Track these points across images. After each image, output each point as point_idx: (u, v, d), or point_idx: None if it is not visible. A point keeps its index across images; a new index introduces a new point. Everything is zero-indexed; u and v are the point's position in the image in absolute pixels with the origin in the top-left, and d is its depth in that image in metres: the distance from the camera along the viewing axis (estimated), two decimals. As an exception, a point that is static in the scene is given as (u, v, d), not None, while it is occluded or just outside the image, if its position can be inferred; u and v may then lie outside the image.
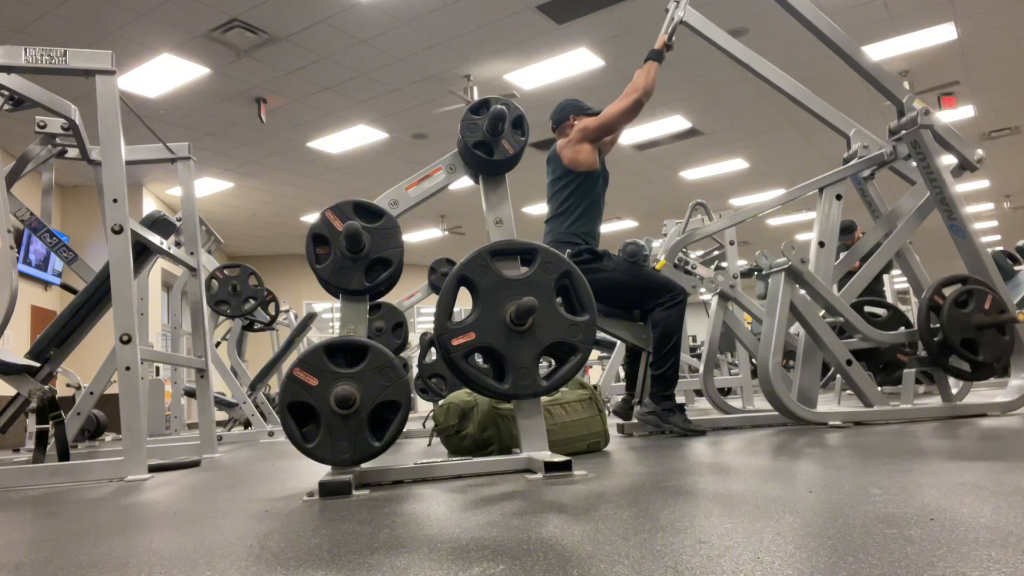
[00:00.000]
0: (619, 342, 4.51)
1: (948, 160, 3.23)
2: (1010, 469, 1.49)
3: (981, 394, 4.22)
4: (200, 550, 1.16)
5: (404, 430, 1.99)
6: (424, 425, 3.60)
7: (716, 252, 5.41)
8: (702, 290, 3.77)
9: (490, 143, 2.16)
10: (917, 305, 3.17)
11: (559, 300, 2.04)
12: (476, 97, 7.16)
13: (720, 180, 10.92)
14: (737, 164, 10.33)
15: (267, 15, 5.81)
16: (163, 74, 6.66)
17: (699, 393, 5.81)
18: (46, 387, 2.73)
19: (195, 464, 2.94)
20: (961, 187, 3.51)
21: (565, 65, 7.00)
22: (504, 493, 1.61)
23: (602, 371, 5.76)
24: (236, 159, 9.04)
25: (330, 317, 13.62)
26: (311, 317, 6.51)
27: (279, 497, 1.78)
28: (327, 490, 1.70)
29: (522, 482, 1.77)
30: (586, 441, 2.53)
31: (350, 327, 2.05)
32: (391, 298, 3.75)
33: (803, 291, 3.08)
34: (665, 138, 9.11)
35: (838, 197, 3.26)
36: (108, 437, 5.37)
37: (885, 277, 6.92)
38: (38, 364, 3.07)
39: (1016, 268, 4.70)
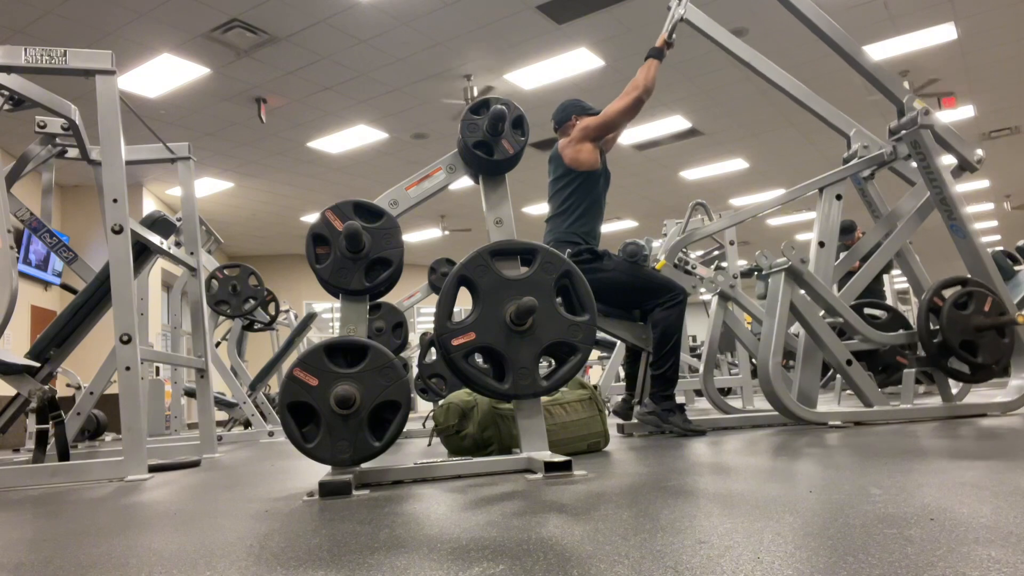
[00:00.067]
0: (619, 342, 4.51)
1: (948, 160, 3.23)
2: (1010, 469, 1.49)
3: (981, 394, 4.22)
4: (200, 550, 1.16)
5: (404, 430, 1.99)
6: (424, 425, 3.60)
7: (716, 252, 5.41)
8: (702, 290, 3.77)
9: (490, 143, 2.16)
10: (917, 306, 3.17)
11: (559, 300, 2.04)
12: (476, 97, 7.17)
13: (720, 180, 10.92)
14: (737, 164, 10.33)
15: (267, 15, 5.81)
16: (163, 74, 6.66)
17: (699, 393, 5.81)
18: (46, 387, 2.73)
19: (195, 464, 2.94)
20: (961, 187, 3.51)
21: (565, 65, 7.00)
22: (504, 493, 1.61)
23: (602, 371, 5.76)
24: (236, 159, 9.04)
25: (330, 317, 13.62)
26: (311, 317, 6.51)
27: (279, 497, 1.78)
28: (327, 490, 1.70)
29: (522, 482, 1.77)
30: (586, 441, 2.53)
31: (350, 327, 2.05)
32: (391, 298, 3.75)
33: (803, 291, 3.08)
34: (665, 138, 9.11)
35: (838, 197, 3.26)
36: (108, 437, 5.37)
37: (885, 277, 6.92)
38: (38, 364, 3.07)
39: (1016, 268, 4.70)
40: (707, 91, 7.81)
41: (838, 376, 3.68)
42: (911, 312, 7.74)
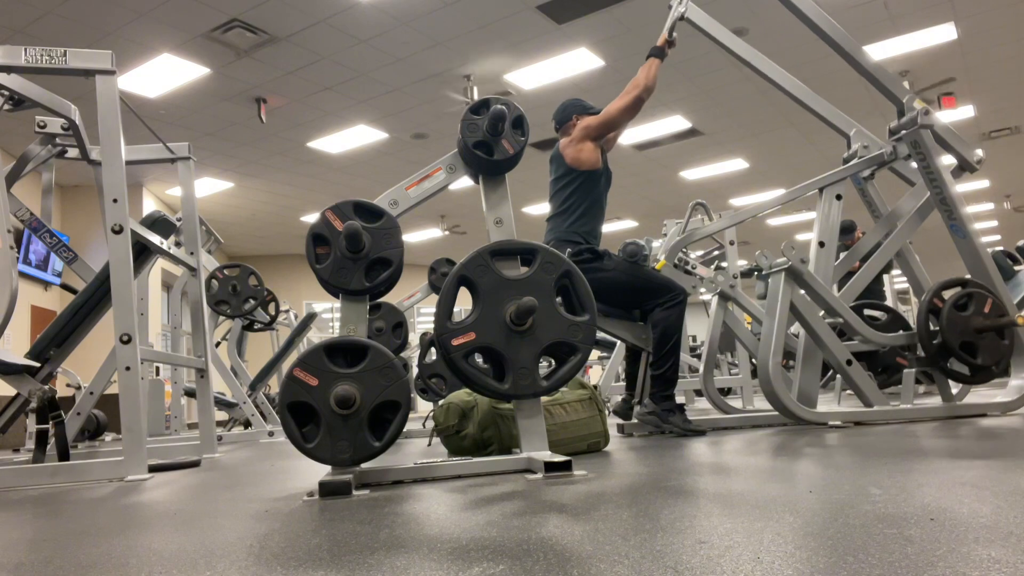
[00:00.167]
0: (619, 342, 4.51)
1: (948, 160, 3.23)
2: (1010, 469, 1.49)
3: (981, 394, 4.22)
4: (200, 550, 1.16)
5: (404, 430, 1.99)
6: (424, 425, 3.60)
7: (716, 252, 5.41)
8: (702, 290, 3.77)
9: (490, 143, 2.16)
10: (917, 306, 3.17)
11: (559, 300, 2.04)
12: (476, 97, 7.16)
13: (720, 180, 10.92)
14: (737, 164, 10.33)
15: (267, 15, 5.81)
16: (163, 74, 6.66)
17: (699, 393, 5.81)
18: (46, 387, 2.73)
19: (195, 464, 2.94)
20: (961, 187, 3.51)
21: (565, 65, 7.00)
22: (504, 493, 1.61)
23: (602, 371, 5.76)
24: (236, 159, 9.04)
25: (330, 317, 13.62)
26: (311, 317, 6.51)
27: (279, 497, 1.78)
28: (327, 490, 1.70)
29: (522, 482, 1.77)
30: (586, 441, 2.53)
31: (350, 327, 2.05)
32: (391, 298, 3.75)
33: (803, 291, 3.08)
34: (665, 138, 9.11)
35: (838, 197, 3.25)
36: (108, 437, 5.37)
37: (885, 277, 6.91)
38: (38, 364, 3.06)
39: (1016, 268, 4.70)
40: (707, 91, 7.81)
41: (838, 376, 3.69)
42: (911, 313, 7.74)
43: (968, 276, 3.21)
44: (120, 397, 2.47)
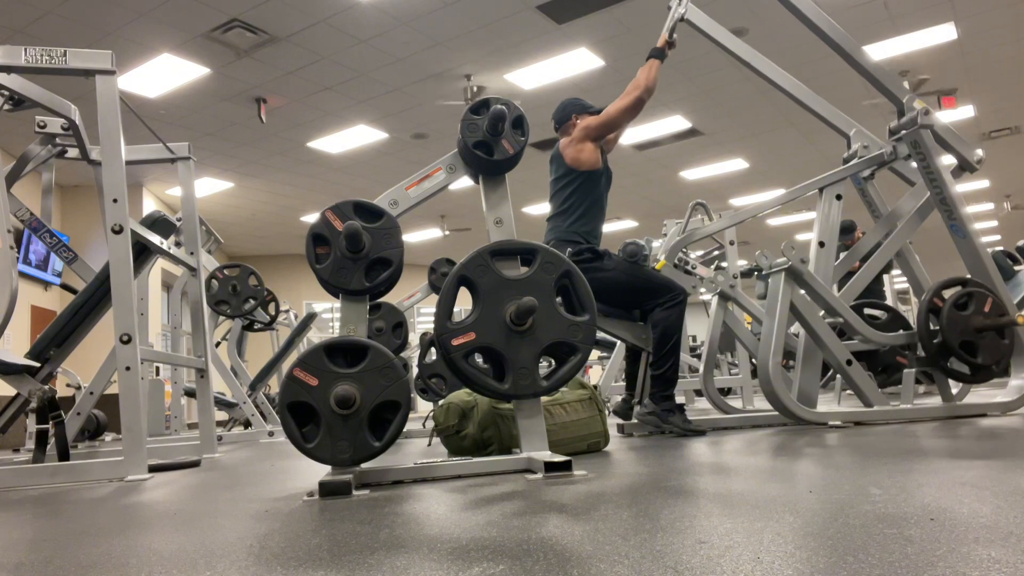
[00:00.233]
0: (619, 342, 4.51)
1: (948, 160, 3.23)
2: (1010, 469, 1.49)
3: (981, 394, 4.22)
4: (200, 550, 1.16)
5: (404, 430, 1.99)
6: (424, 425, 3.60)
7: (716, 252, 5.41)
8: (702, 290, 3.77)
9: (490, 143, 2.16)
10: (917, 306, 3.17)
11: (559, 300, 2.04)
12: (476, 97, 7.17)
13: (720, 180, 10.92)
14: (737, 164, 10.33)
15: (267, 15, 5.81)
16: (163, 74, 6.66)
17: (699, 393, 5.81)
18: (46, 387, 2.73)
19: (195, 464, 2.94)
20: (961, 187, 3.51)
21: (565, 65, 7.00)
22: (504, 493, 1.61)
23: (602, 371, 5.76)
24: (236, 159, 9.04)
25: (330, 317, 13.62)
26: (311, 317, 6.51)
27: (279, 497, 1.78)
28: (327, 490, 1.70)
29: (522, 482, 1.77)
30: (586, 441, 2.53)
31: (350, 327, 2.05)
32: (391, 298, 3.75)
33: (803, 291, 3.08)
34: (665, 138, 9.11)
35: (838, 197, 3.25)
36: (108, 437, 5.37)
37: (885, 277, 6.91)
38: (38, 364, 3.06)
39: (1016, 268, 4.70)
40: (707, 91, 7.81)
41: (838, 376, 3.68)
42: (911, 312, 7.74)
43: (968, 276, 3.21)
44: (120, 397, 2.47)
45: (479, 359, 2.07)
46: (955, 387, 3.43)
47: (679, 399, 3.71)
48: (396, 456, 2.86)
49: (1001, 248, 4.77)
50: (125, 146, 2.70)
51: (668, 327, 2.92)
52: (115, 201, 2.58)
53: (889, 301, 6.75)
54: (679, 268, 3.58)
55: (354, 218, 2.02)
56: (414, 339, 7.65)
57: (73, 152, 3.47)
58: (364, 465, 1.93)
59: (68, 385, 5.57)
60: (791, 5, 3.14)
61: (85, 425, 4.71)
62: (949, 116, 8.43)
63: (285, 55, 6.48)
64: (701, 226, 4.05)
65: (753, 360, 4.17)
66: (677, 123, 8.65)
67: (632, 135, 8.77)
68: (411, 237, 13.04)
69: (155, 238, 3.32)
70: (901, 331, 3.39)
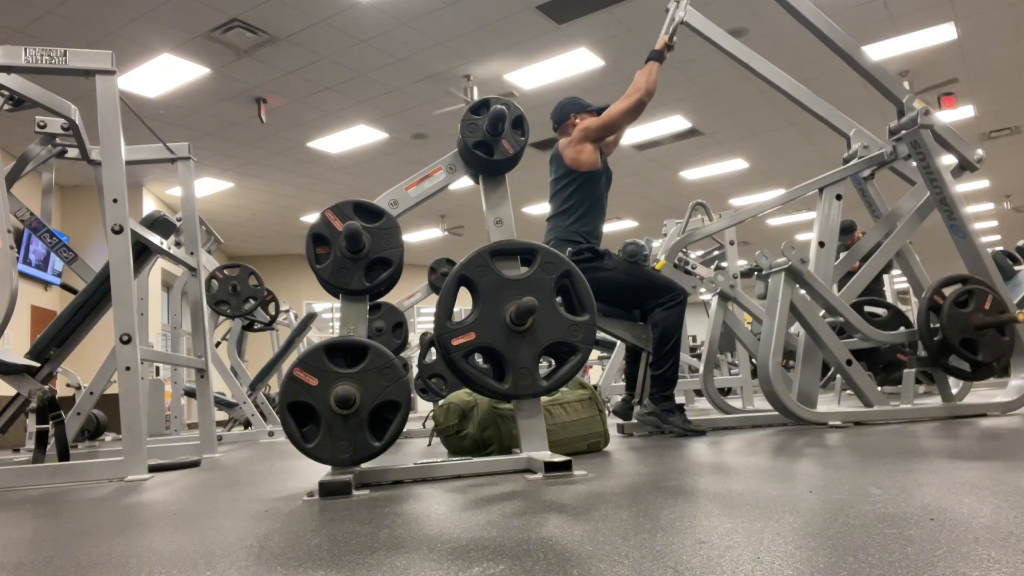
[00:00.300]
0: (619, 342, 4.51)
1: (948, 160, 3.23)
2: (1010, 469, 1.49)
3: (981, 394, 4.22)
4: (200, 550, 1.16)
5: (404, 430, 1.99)
6: (424, 425, 3.60)
7: (716, 252, 5.41)
8: (702, 290, 3.77)
9: (490, 143, 2.16)
10: (917, 305, 3.17)
11: (559, 300, 2.04)
12: (476, 97, 7.16)
13: (720, 180, 10.92)
14: (737, 164, 10.33)
15: (267, 15, 5.81)
16: (163, 74, 6.66)
17: (699, 393, 5.81)
18: (46, 387, 2.73)
19: (195, 464, 2.94)
20: (961, 187, 3.51)
21: (565, 65, 7.00)
22: (504, 493, 1.61)
23: (602, 371, 5.76)
24: (236, 159, 9.04)
25: (330, 317, 13.62)
26: (311, 317, 6.51)
27: (279, 497, 1.78)
28: (327, 490, 1.70)
29: (522, 482, 1.77)
30: (586, 441, 2.53)
31: (350, 327, 2.05)
32: (391, 298, 3.76)
33: (803, 291, 3.08)
34: (665, 138, 9.11)
35: (838, 197, 3.25)
36: (108, 437, 5.37)
37: (885, 277, 6.92)
38: (38, 364, 3.06)
39: (1016, 268, 4.70)
40: (707, 91, 7.81)
41: (838, 376, 3.68)
42: (911, 312, 7.74)
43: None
44: (120, 397, 2.47)
45: (479, 359, 2.07)
46: (955, 387, 3.43)
47: (679, 399, 3.71)
48: (396, 456, 2.86)
49: (1001, 248, 4.77)
50: (125, 146, 2.70)
51: (668, 327, 2.92)
52: (115, 201, 2.58)
53: (889, 301, 6.75)
54: (679, 268, 3.58)
55: (354, 218, 2.02)
56: (414, 339, 7.65)
57: (73, 152, 3.47)
58: (364, 465, 1.93)
59: (68, 385, 5.57)
60: (790, 6, 3.14)
61: (85, 425, 4.72)
62: (949, 116, 8.43)
63: (285, 55, 6.48)
64: (701, 226, 4.05)
65: (753, 360, 4.17)
66: (677, 123, 8.65)
67: (632, 135, 8.77)
68: (411, 237, 13.04)
69: (155, 238, 3.32)
70: (902, 328, 3.39)
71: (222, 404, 5.74)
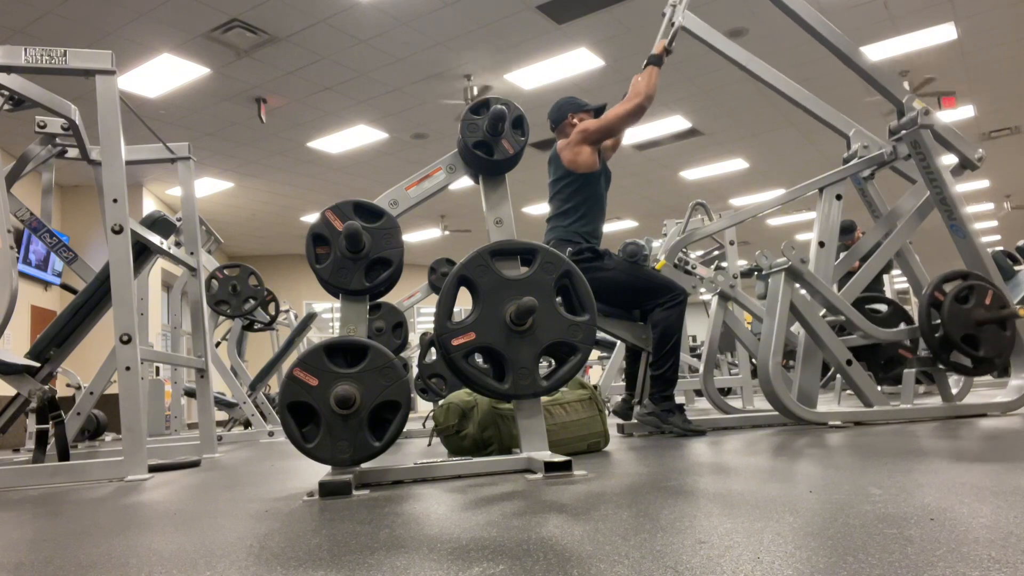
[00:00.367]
0: (619, 342, 4.51)
1: (948, 160, 3.23)
2: (1010, 469, 1.49)
3: (981, 394, 4.22)
4: (200, 550, 1.16)
5: (404, 430, 1.99)
6: (424, 425, 3.60)
7: (716, 252, 5.41)
8: (702, 290, 3.77)
9: (490, 143, 2.16)
10: (917, 304, 3.17)
11: (559, 300, 2.04)
12: (476, 97, 7.17)
13: (720, 180, 10.92)
14: (737, 164, 10.33)
15: (267, 15, 5.81)
16: (163, 74, 6.66)
17: (699, 393, 5.81)
18: (46, 387, 2.73)
19: (195, 464, 2.94)
20: (961, 187, 3.51)
21: (565, 65, 7.00)
22: (504, 493, 1.61)
23: (602, 371, 5.76)
24: (236, 159, 9.04)
25: (330, 317, 13.62)
26: (311, 317, 6.51)
27: (279, 497, 1.78)
28: (327, 490, 1.70)
29: (522, 482, 1.77)
30: (586, 441, 2.53)
31: (350, 327, 2.05)
32: (391, 298, 3.76)
33: (803, 291, 3.08)
34: (665, 138, 9.11)
35: (838, 197, 3.25)
36: (108, 437, 5.37)
37: (885, 277, 6.92)
38: (38, 364, 3.06)
39: (1016, 268, 4.70)
40: (707, 91, 7.81)
41: (838, 376, 3.68)
42: (911, 310, 7.74)
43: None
44: (120, 397, 2.47)
45: (479, 359, 2.07)
46: (955, 387, 3.43)
47: (679, 399, 3.71)
48: (396, 456, 2.86)
49: (1001, 248, 4.77)
50: (125, 146, 2.70)
51: (668, 327, 2.91)
52: (115, 201, 2.58)
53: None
54: (679, 268, 3.58)
55: (354, 218, 2.02)
56: (414, 339, 7.65)
57: (73, 152, 3.47)
58: (364, 465, 1.93)
59: (68, 385, 5.57)
60: (787, 8, 3.14)
61: (85, 425, 4.72)
62: (949, 116, 8.43)
63: (285, 55, 6.48)
64: (701, 226, 4.05)
65: (753, 360, 4.17)
66: (677, 123, 8.65)
67: (632, 135, 8.77)
68: (411, 237, 13.04)
69: (155, 238, 3.32)
70: (903, 324, 3.39)
71: (222, 404, 5.75)
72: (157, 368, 7.00)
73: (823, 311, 3.15)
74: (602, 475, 1.83)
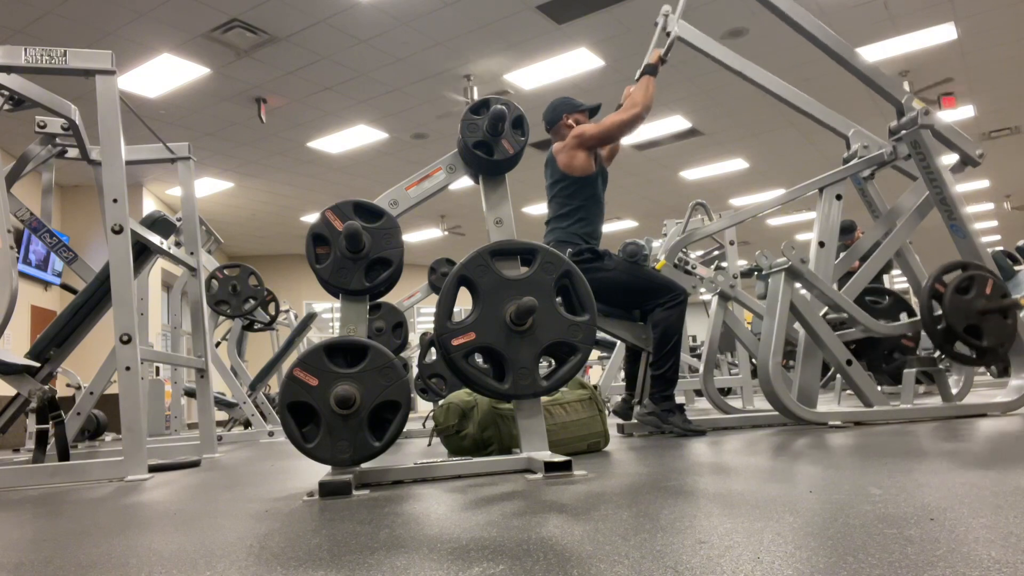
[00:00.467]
0: (619, 342, 4.51)
1: (948, 160, 3.23)
2: (1010, 469, 1.49)
3: (981, 394, 4.22)
4: (200, 550, 1.16)
5: (404, 430, 1.99)
6: (424, 425, 3.60)
7: (716, 252, 5.41)
8: (702, 290, 3.77)
9: (490, 143, 2.16)
10: (917, 298, 3.16)
11: (559, 300, 2.04)
12: (476, 97, 7.16)
13: (720, 180, 10.92)
14: (737, 164, 10.33)
15: (267, 15, 5.81)
16: (163, 74, 6.66)
17: (699, 393, 5.81)
18: (46, 387, 2.73)
19: (195, 464, 2.94)
20: (961, 187, 3.51)
21: (565, 65, 7.00)
22: (504, 493, 1.61)
23: (602, 371, 5.76)
24: (236, 159, 9.04)
25: (330, 317, 13.62)
26: (311, 317, 6.51)
27: (279, 497, 1.78)
28: (327, 490, 1.70)
29: (522, 482, 1.77)
30: (586, 441, 2.53)
31: (350, 327, 2.05)
32: (391, 298, 3.75)
33: (803, 290, 3.08)
34: (665, 138, 9.11)
35: (838, 197, 3.25)
36: (108, 437, 5.37)
37: (885, 277, 6.92)
38: (38, 364, 3.06)
39: (1016, 268, 4.70)
40: (707, 91, 7.81)
41: (838, 376, 3.68)
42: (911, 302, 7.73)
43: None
44: (120, 397, 2.47)
45: (479, 359, 2.07)
46: (955, 387, 3.43)
47: (679, 399, 3.70)
48: (396, 456, 2.86)
49: (1001, 248, 4.77)
50: (125, 146, 2.70)
51: (668, 327, 2.91)
52: (115, 201, 2.58)
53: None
54: (679, 268, 3.58)
55: (354, 218, 2.02)
56: (414, 339, 7.65)
57: (73, 152, 3.47)
58: (364, 465, 1.93)
59: (68, 385, 5.57)
60: (782, 14, 3.14)
61: (85, 425, 4.71)
62: (949, 116, 8.43)
63: (285, 55, 6.48)
64: (701, 226, 4.05)
65: (753, 360, 4.17)
66: (677, 123, 8.65)
67: (632, 135, 8.74)
68: (411, 237, 13.04)
69: (155, 238, 3.32)
70: (904, 315, 3.37)
71: (222, 404, 5.75)
72: (157, 368, 7.00)
73: (823, 311, 3.15)
74: (602, 475, 1.83)
